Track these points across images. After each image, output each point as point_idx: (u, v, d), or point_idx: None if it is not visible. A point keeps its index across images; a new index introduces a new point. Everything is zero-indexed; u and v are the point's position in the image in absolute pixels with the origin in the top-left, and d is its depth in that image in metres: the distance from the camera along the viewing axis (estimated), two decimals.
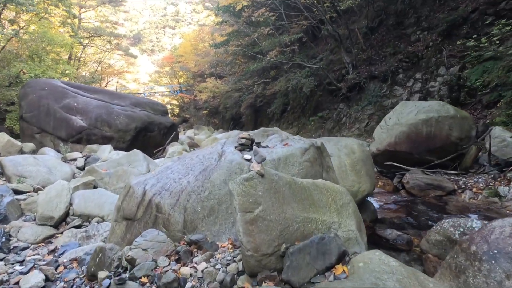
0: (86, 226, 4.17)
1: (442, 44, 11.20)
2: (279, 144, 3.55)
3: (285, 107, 18.47)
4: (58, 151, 8.09)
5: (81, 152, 7.96)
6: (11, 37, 14.83)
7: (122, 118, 9.05)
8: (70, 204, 4.49)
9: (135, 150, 6.36)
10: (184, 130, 30.70)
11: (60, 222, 4.20)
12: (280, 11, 14.60)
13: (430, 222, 4.34)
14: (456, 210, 4.68)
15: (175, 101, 44.78)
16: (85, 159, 7.13)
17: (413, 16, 13.03)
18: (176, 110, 44.67)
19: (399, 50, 12.65)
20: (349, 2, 11.60)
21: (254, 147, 2.20)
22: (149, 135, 10.11)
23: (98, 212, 4.47)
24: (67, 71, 21.26)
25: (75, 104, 8.84)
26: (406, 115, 6.61)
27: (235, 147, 3.44)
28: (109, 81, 31.03)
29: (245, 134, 3.49)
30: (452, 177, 5.78)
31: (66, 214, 4.31)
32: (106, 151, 7.72)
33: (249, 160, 3.17)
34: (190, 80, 40.78)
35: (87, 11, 24.27)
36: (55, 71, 17.57)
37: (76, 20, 22.17)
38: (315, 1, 12.38)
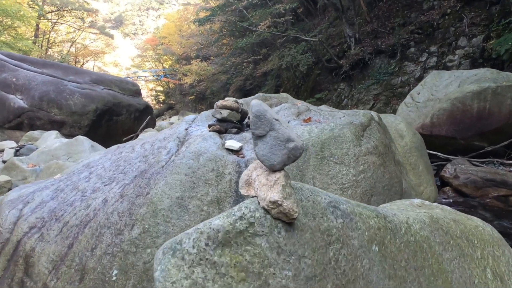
0: None
1: (463, 11, 9.64)
2: (295, 120, 1.88)
3: (277, 89, 16.75)
4: None
5: (17, 142, 6.10)
6: None
7: (77, 98, 7.17)
8: None
9: (78, 137, 4.59)
10: (169, 117, 28.64)
11: None
12: None
13: None
14: None
15: (160, 87, 42.43)
16: (17, 150, 5.30)
17: None
18: (162, 97, 42.33)
19: (410, 20, 11.02)
20: None
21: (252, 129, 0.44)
22: (116, 119, 8.27)
23: None
24: (33, 50, 18.78)
25: (14, 79, 6.88)
26: (444, 88, 5.06)
27: (210, 126, 1.76)
28: (84, 63, 28.29)
29: (229, 100, 1.81)
30: None
31: None
32: (50, 139, 5.88)
33: (237, 152, 1.50)
34: (176, 65, 38.46)
35: None
36: (12, 48, 15.18)
37: None
38: None
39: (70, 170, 2.13)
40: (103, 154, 2.27)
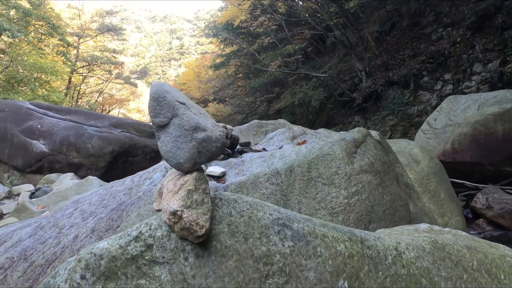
0: None
1: (473, 38, 9.58)
2: (289, 144, 1.75)
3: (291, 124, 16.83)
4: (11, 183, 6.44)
5: (36, 185, 6.28)
6: (7, 67, 13.93)
7: (95, 141, 7.45)
8: None
9: (89, 177, 4.65)
10: None
11: None
12: (280, 22, 13.44)
13: None
14: None
15: None
16: (32, 193, 5.42)
17: (431, 14, 11.59)
18: None
19: (420, 51, 11.06)
20: (355, 2, 10.26)
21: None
22: (132, 160, 8.44)
23: None
24: (65, 100, 20.44)
25: (39, 126, 7.32)
26: (462, 112, 4.80)
27: None
28: (110, 110, 30.23)
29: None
30: None
31: None
32: (65, 181, 6.01)
33: (218, 178, 1.37)
34: None
35: (85, 41, 23.95)
36: (46, 100, 16.58)
37: (73, 49, 21.69)
38: (319, 5, 11.11)
39: (58, 206, 2.06)
40: (96, 189, 2.21)
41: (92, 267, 0.39)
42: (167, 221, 0.43)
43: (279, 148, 1.72)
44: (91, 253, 0.41)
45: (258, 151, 1.73)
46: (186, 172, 0.46)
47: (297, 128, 1.92)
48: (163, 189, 0.49)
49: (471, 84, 9.15)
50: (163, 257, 0.40)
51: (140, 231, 0.43)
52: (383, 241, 0.58)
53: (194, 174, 0.46)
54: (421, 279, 0.56)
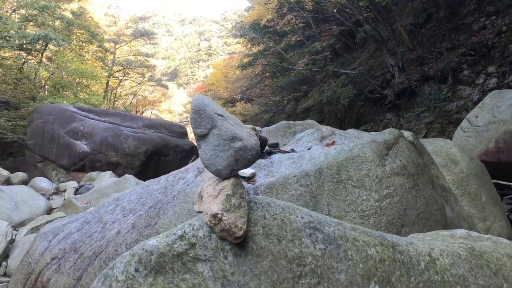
0: None
1: None
2: (317, 145, 1.75)
3: (320, 123, 16.54)
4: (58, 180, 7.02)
5: (79, 182, 6.79)
6: (53, 73, 15.20)
7: (130, 141, 7.89)
8: (7, 257, 3.02)
9: (126, 175, 4.94)
10: None
11: None
12: (308, 19, 13.25)
13: None
14: None
15: None
16: (76, 190, 5.87)
17: (472, 3, 10.77)
18: None
19: (459, 43, 10.34)
20: None
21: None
22: (164, 159, 8.82)
23: None
24: (103, 103, 21.85)
25: (81, 127, 7.91)
26: (508, 108, 4.44)
27: None
28: (143, 112, 31.76)
29: (247, 127, 1.77)
30: None
31: None
32: (105, 179, 6.44)
33: (249, 179, 1.41)
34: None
35: (121, 46, 25.36)
36: (87, 103, 17.78)
37: (110, 55, 23.07)
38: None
39: (101, 203, 2.22)
40: (134, 187, 2.35)
41: (144, 262, 0.44)
42: (208, 223, 0.48)
43: (308, 149, 1.73)
44: (143, 249, 0.46)
45: (287, 152, 1.75)
46: (224, 178, 0.51)
47: (325, 129, 1.91)
48: (203, 192, 0.53)
49: None
50: (205, 255, 0.45)
51: (184, 230, 0.48)
52: (416, 247, 0.57)
53: (232, 180, 0.50)
54: (456, 286, 0.55)
